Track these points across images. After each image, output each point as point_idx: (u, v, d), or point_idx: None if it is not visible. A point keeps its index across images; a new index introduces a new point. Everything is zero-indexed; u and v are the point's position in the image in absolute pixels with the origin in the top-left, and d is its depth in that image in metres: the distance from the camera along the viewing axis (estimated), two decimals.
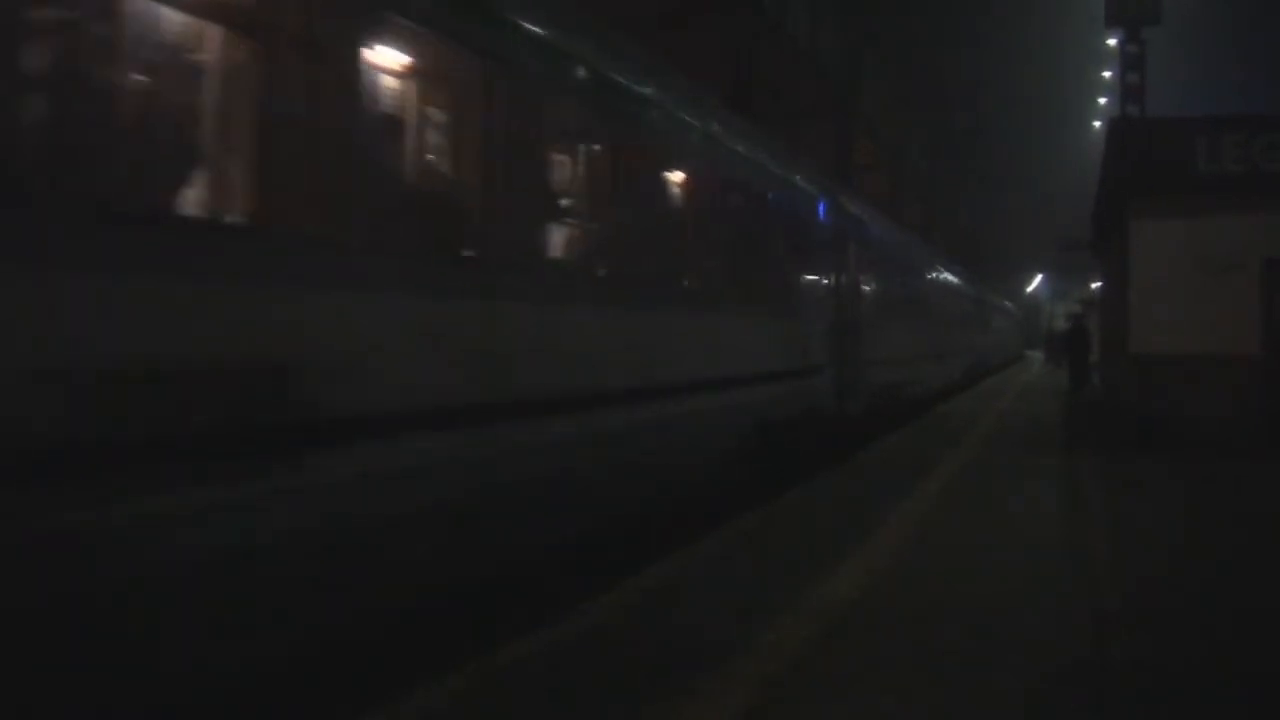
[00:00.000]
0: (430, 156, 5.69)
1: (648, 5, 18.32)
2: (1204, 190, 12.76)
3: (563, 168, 6.82)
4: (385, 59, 4.96)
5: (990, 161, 55.64)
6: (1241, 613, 5.73)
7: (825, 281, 12.91)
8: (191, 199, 4.05)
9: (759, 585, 6.06)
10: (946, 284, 26.83)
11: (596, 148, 7.11)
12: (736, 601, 5.69)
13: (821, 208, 12.85)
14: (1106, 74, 32.29)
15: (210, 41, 4.16)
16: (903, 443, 14.14)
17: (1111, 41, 23.27)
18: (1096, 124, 39.61)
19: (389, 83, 5.11)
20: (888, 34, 33.79)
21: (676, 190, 8.55)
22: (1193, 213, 12.81)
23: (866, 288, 15.32)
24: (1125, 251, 13.41)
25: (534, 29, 5.96)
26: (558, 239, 6.74)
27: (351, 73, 4.51)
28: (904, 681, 4.46)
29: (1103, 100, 40.33)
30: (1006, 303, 50.87)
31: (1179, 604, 5.87)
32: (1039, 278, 78.09)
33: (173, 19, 4.00)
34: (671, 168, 8.41)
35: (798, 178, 12.11)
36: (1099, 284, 27.37)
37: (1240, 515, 8.88)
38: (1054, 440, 14.28)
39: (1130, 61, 18.30)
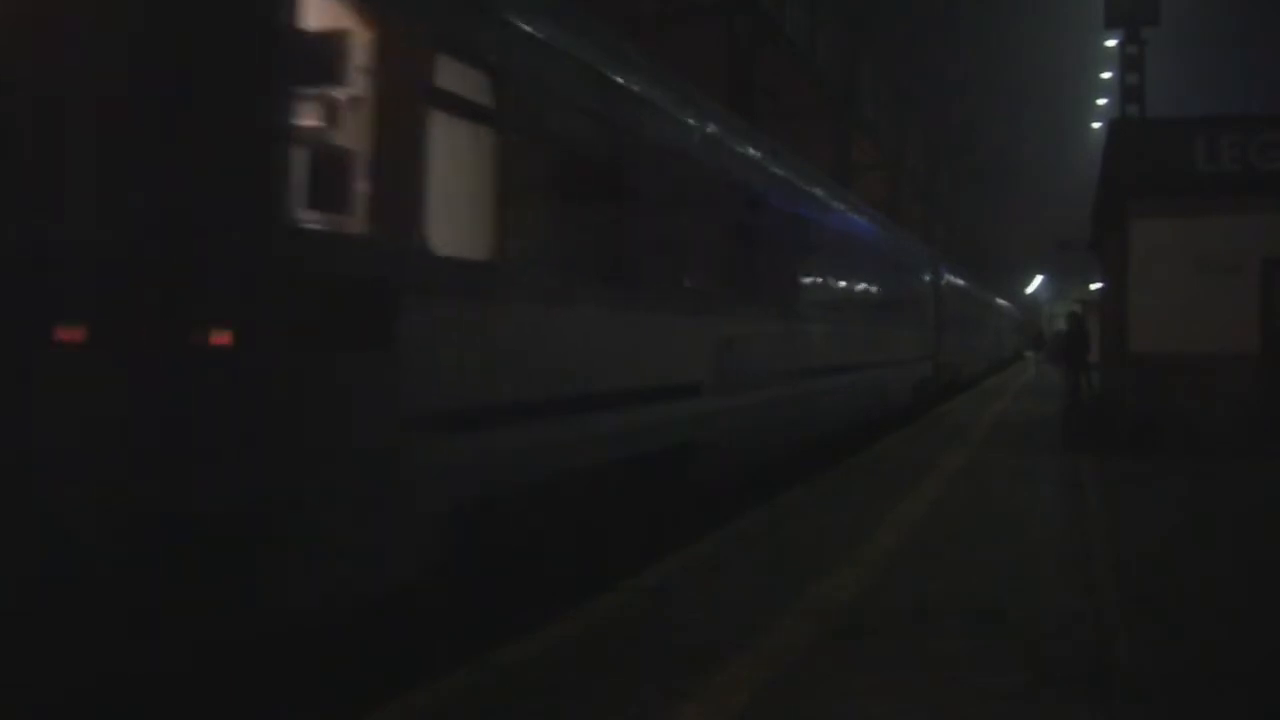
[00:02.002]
0: None
1: (648, 5, 18.34)
2: (1203, 190, 12.77)
3: None
4: None
5: (990, 161, 55.66)
6: (1242, 613, 5.74)
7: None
8: None
9: (758, 585, 6.07)
10: (871, 246, 15.94)
11: None
12: (736, 601, 5.70)
13: None
14: (1106, 75, 32.24)
15: None
16: (901, 443, 14.15)
17: (1111, 42, 23.23)
18: (1096, 124, 39.60)
19: None
20: (887, 34, 33.81)
21: None
22: (1192, 213, 12.83)
23: (596, 221, 6.67)
24: (1125, 251, 13.42)
25: None
26: None
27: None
28: (904, 681, 4.46)
29: (1103, 100, 40.29)
30: (999, 300, 49.25)
31: (1180, 605, 5.87)
32: (1039, 278, 78.13)
33: None
34: None
35: None
36: (1099, 284, 27.21)
37: (1240, 515, 8.88)
38: (1053, 440, 14.28)
39: (1130, 62, 18.29)
